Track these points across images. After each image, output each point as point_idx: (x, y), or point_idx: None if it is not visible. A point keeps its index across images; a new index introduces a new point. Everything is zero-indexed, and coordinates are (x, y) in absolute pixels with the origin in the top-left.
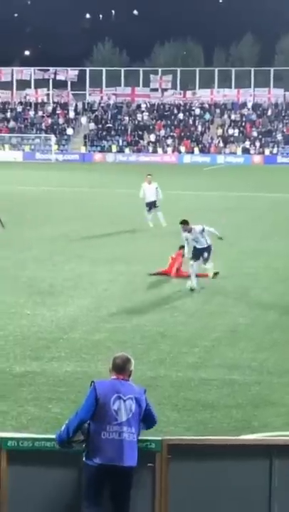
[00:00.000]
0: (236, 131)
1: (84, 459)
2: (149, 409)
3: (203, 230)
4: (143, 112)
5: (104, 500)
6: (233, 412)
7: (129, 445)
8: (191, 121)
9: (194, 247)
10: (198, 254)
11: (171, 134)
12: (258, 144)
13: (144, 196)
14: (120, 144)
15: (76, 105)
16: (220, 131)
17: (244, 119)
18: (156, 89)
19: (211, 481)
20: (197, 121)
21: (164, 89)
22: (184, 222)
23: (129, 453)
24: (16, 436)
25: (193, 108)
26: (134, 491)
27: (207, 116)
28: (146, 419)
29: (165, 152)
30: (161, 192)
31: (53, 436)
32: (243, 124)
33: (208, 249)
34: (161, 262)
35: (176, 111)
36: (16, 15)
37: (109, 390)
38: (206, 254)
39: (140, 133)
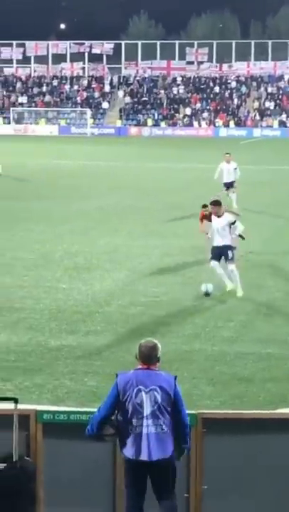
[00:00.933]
0: (273, 104)
1: (120, 451)
2: (179, 399)
3: (234, 223)
4: (179, 85)
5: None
6: (268, 385)
7: (157, 438)
8: (227, 95)
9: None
10: (217, 252)
11: (207, 107)
12: None
13: (220, 176)
14: (156, 117)
15: (112, 79)
16: (256, 104)
17: (281, 91)
18: (192, 63)
19: (246, 455)
20: (233, 95)
21: (200, 62)
22: (216, 203)
23: (157, 446)
24: (52, 409)
25: (230, 81)
26: None
27: (243, 89)
28: (175, 414)
29: (201, 126)
30: (240, 172)
31: (89, 410)
32: (280, 96)
33: (230, 248)
34: (197, 236)
35: (212, 84)
36: None
37: (132, 382)
38: (230, 254)
39: (176, 106)
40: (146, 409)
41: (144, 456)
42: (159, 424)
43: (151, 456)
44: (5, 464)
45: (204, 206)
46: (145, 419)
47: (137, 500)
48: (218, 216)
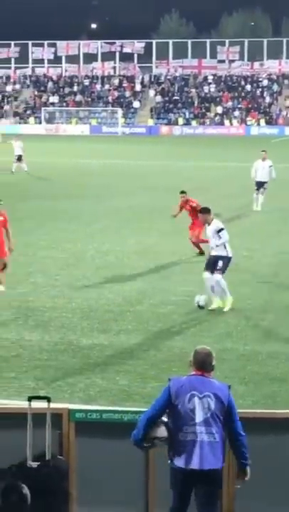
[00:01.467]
0: None
1: (169, 460)
2: (233, 409)
3: (220, 231)
4: (210, 83)
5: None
6: None
7: (208, 446)
8: (258, 93)
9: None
10: (210, 262)
11: (238, 105)
12: None
13: (255, 175)
14: (187, 116)
15: (143, 78)
16: (288, 103)
17: None
18: (223, 61)
19: (279, 454)
20: (265, 93)
21: (231, 61)
22: (204, 211)
23: (208, 455)
24: (84, 408)
25: (261, 79)
26: None
27: (275, 87)
28: (228, 423)
29: (232, 124)
30: (275, 171)
31: (121, 409)
32: None
33: (220, 258)
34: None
35: (243, 82)
36: None
37: (185, 388)
38: (218, 264)
39: (207, 105)
40: (199, 416)
41: (194, 465)
42: (211, 433)
43: (202, 465)
44: (38, 463)
45: (182, 192)
46: (198, 426)
47: (181, 508)
48: (208, 224)
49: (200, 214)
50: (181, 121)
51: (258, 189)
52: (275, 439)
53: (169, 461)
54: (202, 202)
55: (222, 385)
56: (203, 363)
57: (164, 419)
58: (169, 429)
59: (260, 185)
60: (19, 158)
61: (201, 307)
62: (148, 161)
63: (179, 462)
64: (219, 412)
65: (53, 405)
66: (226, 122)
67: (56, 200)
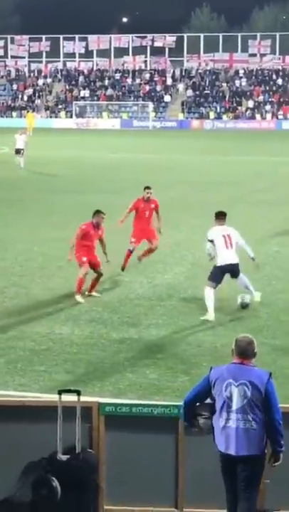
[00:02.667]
0: None
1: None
2: (271, 396)
3: (211, 241)
4: (241, 77)
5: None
6: None
7: (244, 434)
8: None
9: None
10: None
11: (270, 99)
12: None
13: None
14: (218, 110)
15: (174, 72)
16: None
17: None
18: (254, 55)
19: None
20: None
21: (263, 55)
22: (220, 215)
23: (243, 442)
24: (114, 401)
25: None
26: None
27: None
28: (266, 410)
29: (264, 118)
30: None
31: (150, 402)
32: None
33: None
34: (259, 229)
35: (274, 76)
36: None
37: (224, 376)
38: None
39: (238, 99)
40: (236, 404)
41: (231, 451)
42: (248, 420)
43: (238, 451)
44: (68, 456)
45: (147, 188)
46: (234, 413)
47: (229, 492)
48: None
49: (217, 219)
50: (212, 115)
51: None
52: None
53: (214, 444)
54: (236, 196)
55: (262, 372)
56: (245, 351)
57: (209, 401)
58: (210, 410)
59: None
60: (18, 152)
61: (245, 305)
62: (179, 155)
63: (220, 447)
64: (256, 400)
65: (82, 399)
66: (257, 116)
67: (84, 193)
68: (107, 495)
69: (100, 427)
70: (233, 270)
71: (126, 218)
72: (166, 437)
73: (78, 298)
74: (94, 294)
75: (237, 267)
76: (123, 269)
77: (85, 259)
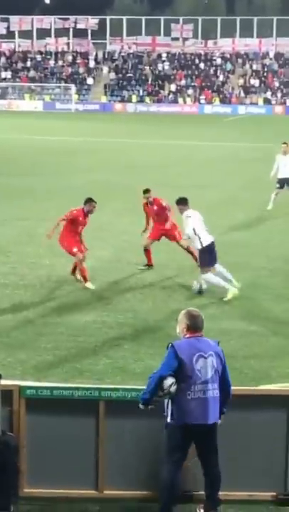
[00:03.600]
0: (257, 81)
1: (168, 419)
2: (225, 363)
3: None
4: (164, 61)
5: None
6: (251, 362)
7: (213, 402)
8: (212, 71)
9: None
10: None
11: (192, 84)
12: (279, 94)
13: (277, 172)
14: (141, 93)
15: (96, 54)
16: (241, 82)
17: (266, 69)
18: (177, 39)
19: (231, 430)
20: (218, 71)
21: (185, 39)
22: (184, 200)
23: (213, 410)
24: (35, 384)
25: (215, 58)
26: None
27: (228, 66)
28: (223, 375)
29: (185, 102)
30: None
31: (72, 385)
32: (265, 74)
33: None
34: None
35: (197, 60)
36: None
37: (190, 350)
38: (199, 259)
39: (161, 83)
40: (206, 375)
41: (202, 420)
42: (215, 389)
43: (208, 420)
44: None
45: (146, 192)
46: (205, 385)
47: (179, 464)
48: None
49: (179, 205)
50: (134, 98)
51: (281, 187)
52: (227, 416)
53: (170, 420)
54: (158, 180)
55: (214, 342)
56: (197, 325)
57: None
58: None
59: (284, 182)
60: None
61: (200, 292)
62: (102, 138)
63: (185, 419)
64: (218, 368)
65: (3, 382)
66: (180, 100)
67: (8, 176)
68: (28, 478)
69: (21, 410)
70: (214, 247)
71: (149, 225)
72: (87, 420)
73: (89, 285)
74: (77, 276)
75: (214, 243)
76: (150, 265)
77: (75, 249)
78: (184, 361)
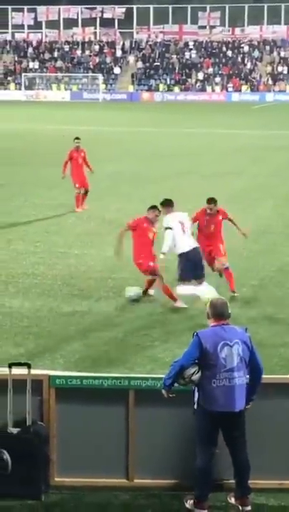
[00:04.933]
0: (286, 68)
1: (195, 406)
2: (255, 349)
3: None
4: (191, 49)
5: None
6: (280, 351)
7: (239, 389)
8: (239, 59)
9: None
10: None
11: (220, 72)
12: None
13: None
14: (168, 82)
15: (123, 44)
16: (269, 69)
17: None
18: (204, 27)
19: (261, 418)
20: (246, 59)
21: (212, 27)
22: (168, 203)
23: (239, 398)
24: (64, 374)
25: (242, 45)
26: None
27: (256, 53)
28: (252, 361)
29: (213, 90)
30: None
31: (103, 375)
32: None
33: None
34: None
35: (224, 48)
36: None
37: (215, 338)
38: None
39: (188, 71)
40: (232, 363)
41: (228, 408)
42: (241, 377)
43: (235, 407)
44: (18, 429)
45: (153, 208)
46: (230, 372)
47: (211, 452)
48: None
49: (163, 207)
50: (162, 87)
51: None
52: (256, 403)
53: (197, 407)
54: (184, 168)
55: (241, 329)
56: (224, 313)
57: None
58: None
59: None
60: None
61: (134, 299)
62: (129, 128)
63: (211, 407)
64: (245, 356)
65: (33, 371)
66: (208, 88)
67: (35, 166)
68: (58, 467)
69: (51, 400)
70: (195, 256)
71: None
72: (117, 409)
73: (179, 304)
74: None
75: (198, 250)
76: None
77: (152, 264)
78: (208, 350)
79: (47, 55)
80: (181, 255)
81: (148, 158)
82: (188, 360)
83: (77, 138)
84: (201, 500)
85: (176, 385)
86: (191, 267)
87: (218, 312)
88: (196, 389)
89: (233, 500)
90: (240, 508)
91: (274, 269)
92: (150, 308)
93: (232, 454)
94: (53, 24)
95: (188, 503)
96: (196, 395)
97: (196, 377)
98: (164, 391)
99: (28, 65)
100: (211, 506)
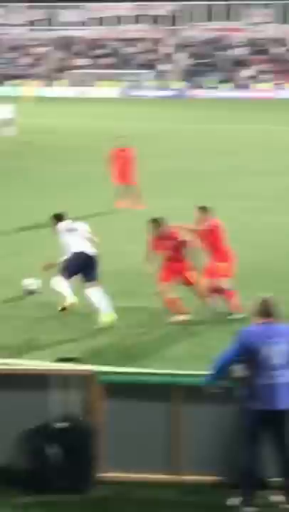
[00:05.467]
0: None
1: (239, 404)
2: None
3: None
4: (239, 46)
5: (263, 441)
6: None
7: (284, 388)
8: (288, 56)
9: None
10: None
11: (268, 68)
12: None
13: None
14: (216, 79)
15: (173, 40)
16: None
17: None
18: (253, 24)
19: None
20: None
21: (261, 23)
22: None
23: (284, 396)
24: (111, 370)
25: None
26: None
27: None
28: None
29: (261, 87)
30: None
31: (150, 371)
32: None
33: None
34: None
35: (272, 45)
36: None
37: (259, 336)
38: None
39: (236, 68)
40: (275, 360)
41: (277, 406)
42: (285, 375)
43: (278, 406)
44: (65, 424)
45: (154, 222)
46: (274, 371)
47: (256, 450)
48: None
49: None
50: (210, 84)
51: None
52: None
53: (243, 404)
54: (233, 165)
55: (287, 327)
56: (271, 311)
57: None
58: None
59: None
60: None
61: (31, 292)
62: (177, 125)
63: (255, 405)
64: None
65: (80, 367)
66: (256, 85)
67: (87, 164)
68: (104, 463)
69: (97, 396)
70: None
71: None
72: (163, 405)
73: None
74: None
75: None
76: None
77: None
78: (251, 347)
79: (96, 52)
80: (72, 252)
81: (198, 154)
82: (231, 357)
83: (120, 137)
84: (246, 499)
85: (219, 381)
86: (75, 266)
87: (264, 310)
88: (240, 386)
89: (278, 498)
90: (287, 506)
91: None
92: (198, 306)
93: (277, 453)
94: (101, 21)
95: (235, 501)
96: (240, 392)
97: (238, 374)
98: (205, 388)
99: (77, 62)
100: (257, 504)
